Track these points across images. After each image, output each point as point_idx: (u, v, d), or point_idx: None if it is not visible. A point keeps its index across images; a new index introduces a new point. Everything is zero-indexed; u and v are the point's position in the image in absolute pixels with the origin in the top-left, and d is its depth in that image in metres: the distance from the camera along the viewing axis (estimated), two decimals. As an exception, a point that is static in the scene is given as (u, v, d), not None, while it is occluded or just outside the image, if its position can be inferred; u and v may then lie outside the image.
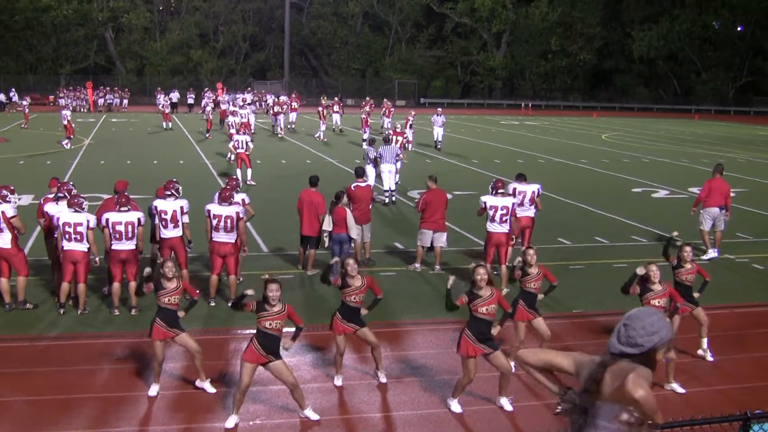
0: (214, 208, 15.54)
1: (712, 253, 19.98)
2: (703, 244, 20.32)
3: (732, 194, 21.35)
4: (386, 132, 36.69)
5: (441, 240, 18.60)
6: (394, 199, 27.35)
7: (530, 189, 18.51)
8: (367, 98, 62.87)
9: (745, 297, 17.17)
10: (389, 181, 27.41)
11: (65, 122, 44.20)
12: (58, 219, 14.79)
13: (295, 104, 57.18)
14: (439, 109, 48.17)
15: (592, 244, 21.62)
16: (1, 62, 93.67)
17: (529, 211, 18.48)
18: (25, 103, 58.43)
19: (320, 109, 52.59)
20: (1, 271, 15.07)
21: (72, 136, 44.11)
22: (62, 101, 76.37)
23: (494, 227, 17.24)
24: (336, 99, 62.59)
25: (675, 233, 13.08)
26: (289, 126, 55.33)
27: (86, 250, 14.81)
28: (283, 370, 10.48)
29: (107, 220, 14.92)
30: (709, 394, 11.96)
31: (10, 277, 15.11)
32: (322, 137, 50.11)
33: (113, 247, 14.94)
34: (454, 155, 42.12)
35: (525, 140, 53.65)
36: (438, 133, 45.76)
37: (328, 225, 17.39)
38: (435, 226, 18.46)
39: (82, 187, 18.82)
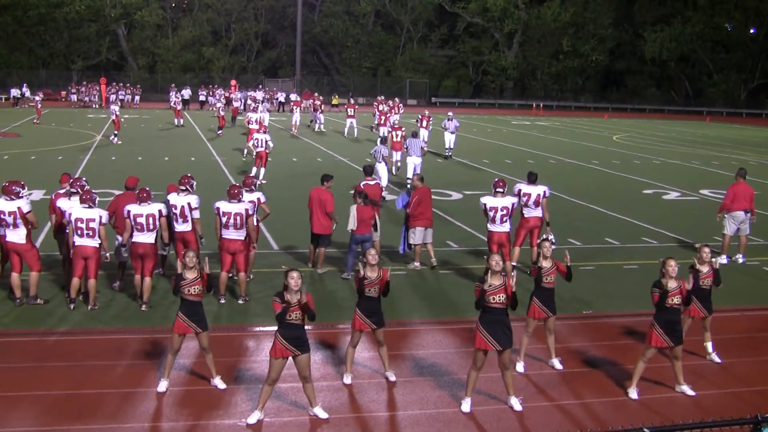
0: (224, 206, 15.55)
1: (723, 259, 19.79)
2: (721, 248, 20.17)
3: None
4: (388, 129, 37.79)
5: (430, 236, 18.71)
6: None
7: (536, 191, 18.36)
8: (379, 97, 62.89)
9: (755, 300, 17.13)
10: (415, 171, 29.13)
11: (113, 117, 44.60)
12: (70, 214, 14.83)
13: (317, 102, 57.11)
14: (450, 113, 43.16)
15: (602, 246, 21.57)
16: (13, 57, 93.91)
17: (536, 212, 18.39)
18: (37, 98, 58.54)
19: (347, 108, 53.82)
20: (12, 265, 15.13)
21: (117, 131, 44.32)
22: (74, 96, 76.61)
23: (495, 227, 17.30)
24: (382, 98, 62.56)
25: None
26: (317, 126, 55.96)
27: (97, 245, 14.84)
28: (305, 363, 10.50)
29: (128, 212, 15.07)
30: (720, 397, 11.92)
31: (21, 271, 15.16)
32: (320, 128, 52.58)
33: (133, 240, 15.12)
34: (464, 155, 42.04)
35: (536, 141, 53.59)
36: (450, 139, 41.12)
37: (353, 224, 17.30)
38: (427, 222, 18.55)
39: (94, 183, 18.85)
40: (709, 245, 13.23)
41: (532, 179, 18.64)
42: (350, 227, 17.30)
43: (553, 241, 13.33)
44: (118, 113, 44.90)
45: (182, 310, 11.31)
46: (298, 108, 55.67)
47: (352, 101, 55.91)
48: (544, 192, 18.48)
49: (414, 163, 30.39)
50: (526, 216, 18.31)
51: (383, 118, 46.33)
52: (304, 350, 10.45)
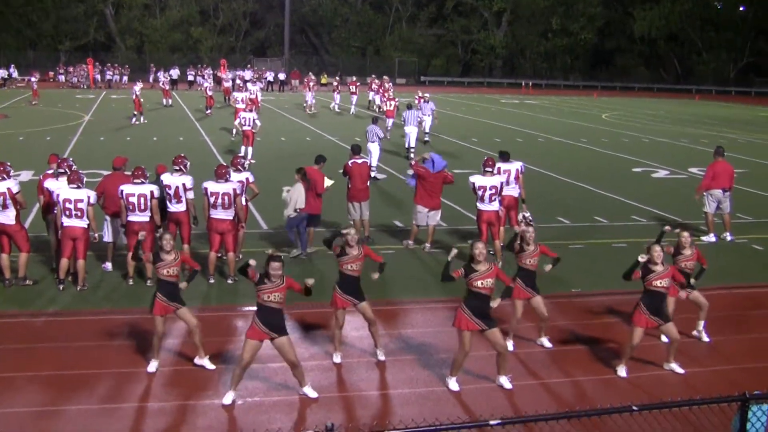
0: (211, 186, 15.54)
1: (711, 238, 19.88)
2: (706, 227, 20.25)
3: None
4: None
5: (435, 218, 18.63)
6: (411, 155, 31.46)
7: (514, 167, 18.41)
8: (373, 76, 63.37)
9: (744, 278, 17.18)
10: (410, 141, 33.16)
11: (134, 97, 44.77)
12: (58, 195, 14.80)
13: (312, 83, 57.35)
14: (427, 95, 40.49)
15: (591, 224, 21.61)
16: (0, 39, 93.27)
17: (513, 191, 18.37)
18: (33, 79, 58.00)
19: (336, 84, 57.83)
20: (1, 246, 15.09)
21: (137, 112, 44.50)
22: (62, 77, 76.26)
23: (484, 206, 17.31)
24: (373, 77, 63.17)
25: (667, 228, 12.79)
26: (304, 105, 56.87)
27: (86, 226, 14.83)
28: (286, 347, 10.47)
29: (122, 191, 15.13)
30: (708, 375, 11.97)
31: (10, 252, 15.13)
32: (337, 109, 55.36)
33: (129, 218, 15.18)
34: (453, 134, 42.01)
35: (525, 119, 53.58)
36: (425, 123, 37.76)
37: (302, 202, 17.32)
38: (431, 203, 18.44)
39: (82, 164, 18.82)
40: (688, 228, 13.23)
41: (505, 157, 18.65)
42: (299, 206, 17.29)
43: (531, 219, 13.36)
44: (138, 94, 44.98)
45: (160, 291, 11.34)
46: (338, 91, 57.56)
47: (354, 79, 57.18)
48: (521, 167, 18.54)
49: (410, 132, 33.19)
50: (502, 194, 18.26)
51: (387, 94, 47.53)
52: (281, 333, 10.43)
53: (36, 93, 55.80)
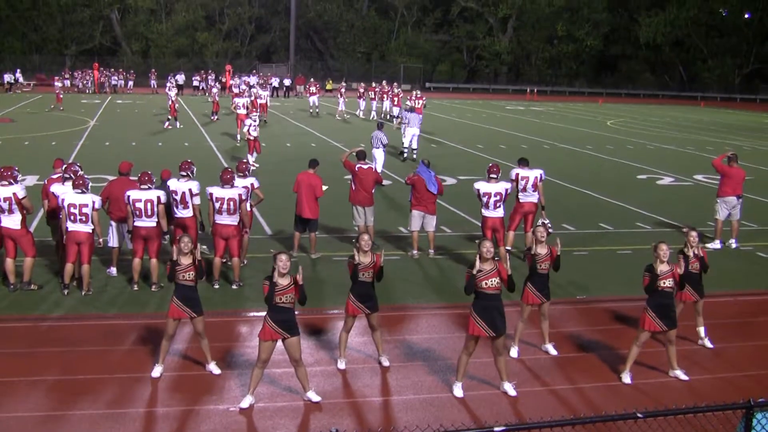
0: (217, 191, 15.53)
1: (717, 244, 19.80)
2: (713, 233, 20.17)
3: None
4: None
5: (431, 224, 18.57)
6: (414, 156, 33.09)
7: (533, 174, 18.38)
8: (384, 82, 63.79)
9: (748, 285, 17.16)
10: (411, 141, 33.86)
11: (170, 103, 45.59)
12: (63, 200, 14.81)
13: (313, 89, 57.52)
14: (423, 99, 40.28)
15: (596, 231, 21.58)
16: (6, 43, 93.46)
17: (532, 197, 18.36)
18: (58, 85, 58.09)
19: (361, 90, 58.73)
20: (7, 251, 15.12)
21: (170, 117, 45.31)
22: (68, 81, 76.30)
23: (489, 212, 17.37)
24: (386, 83, 63.37)
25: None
26: (311, 110, 57.04)
27: (90, 231, 14.85)
28: (295, 346, 10.51)
29: (128, 197, 15.13)
30: (713, 382, 11.95)
31: (16, 257, 15.14)
32: (360, 115, 56.16)
33: (135, 223, 15.18)
34: (459, 140, 42.02)
35: (530, 126, 53.57)
36: (412, 135, 34.24)
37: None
38: (425, 209, 18.44)
39: (87, 169, 18.81)
40: (696, 229, 13.21)
41: (525, 163, 18.64)
42: None
43: (549, 225, 13.34)
44: (173, 99, 45.91)
45: (177, 296, 11.32)
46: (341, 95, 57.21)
47: (373, 85, 58.20)
48: (541, 175, 18.49)
49: (413, 133, 33.97)
50: (521, 201, 18.28)
51: (396, 99, 50.56)
52: (293, 333, 10.46)
53: (60, 99, 55.43)
